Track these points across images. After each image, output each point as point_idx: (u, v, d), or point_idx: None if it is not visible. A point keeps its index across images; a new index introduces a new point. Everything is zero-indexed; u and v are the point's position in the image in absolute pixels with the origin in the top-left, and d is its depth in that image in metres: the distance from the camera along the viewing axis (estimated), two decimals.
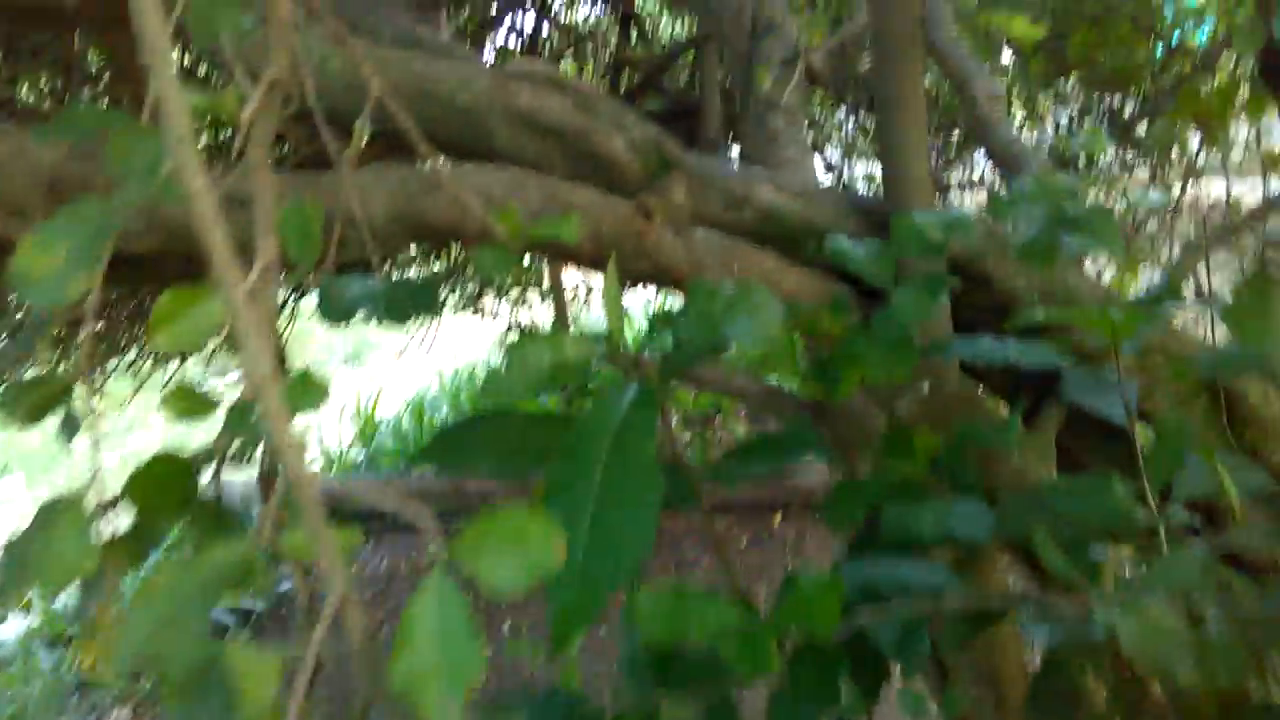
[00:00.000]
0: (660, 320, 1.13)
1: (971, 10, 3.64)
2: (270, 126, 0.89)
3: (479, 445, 1.16)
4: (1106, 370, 1.50)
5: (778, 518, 5.71)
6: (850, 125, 6.16)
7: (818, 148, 6.15)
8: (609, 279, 1.18)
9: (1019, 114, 4.95)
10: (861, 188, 6.50)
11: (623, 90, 5.36)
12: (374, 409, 8.01)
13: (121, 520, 0.93)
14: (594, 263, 1.61)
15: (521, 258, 1.09)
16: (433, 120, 1.65)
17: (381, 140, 1.81)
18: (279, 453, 0.70)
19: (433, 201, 1.43)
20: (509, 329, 4.34)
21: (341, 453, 7.43)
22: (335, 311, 1.15)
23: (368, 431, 7.71)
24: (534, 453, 1.17)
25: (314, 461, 7.38)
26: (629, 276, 1.67)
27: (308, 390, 0.90)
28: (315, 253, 1.04)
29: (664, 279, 1.68)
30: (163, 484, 0.97)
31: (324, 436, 7.60)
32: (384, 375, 9.52)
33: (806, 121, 5.63)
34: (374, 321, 1.17)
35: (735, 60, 2.90)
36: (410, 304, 1.17)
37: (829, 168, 6.11)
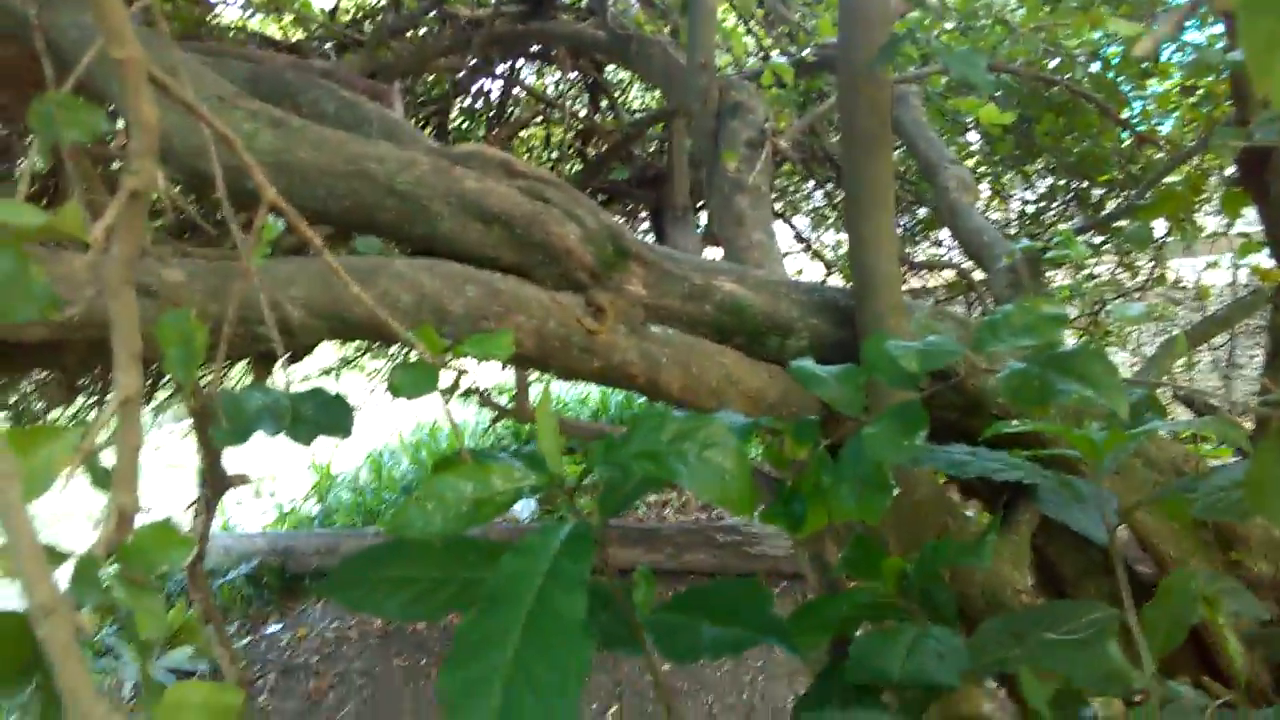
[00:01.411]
0: (601, 450, 1.00)
1: (939, 93, 3.61)
2: (133, 241, 0.74)
3: (388, 580, 1.01)
4: (1084, 483, 1.40)
5: None
6: (819, 196, 6.14)
7: (786, 218, 6.12)
8: (543, 404, 1.04)
9: (985, 192, 4.93)
10: (831, 255, 6.48)
11: (591, 156, 5.31)
12: (330, 462, 7.79)
13: None
14: (538, 364, 1.51)
15: (438, 378, 0.95)
16: (371, 204, 1.54)
17: (331, 225, 1.70)
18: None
19: (358, 298, 1.30)
20: (467, 390, 4.17)
21: (295, 508, 7.19)
22: (231, 431, 1.00)
23: (323, 485, 7.48)
24: (454, 591, 1.02)
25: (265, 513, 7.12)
26: (577, 376, 1.56)
27: (163, 543, 0.74)
28: (196, 366, 0.90)
29: (616, 380, 1.59)
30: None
31: (276, 490, 7.36)
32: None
33: (773, 197, 5.62)
34: (280, 434, 1.03)
35: (702, 137, 2.84)
36: (319, 421, 1.03)
37: (799, 238, 6.07)
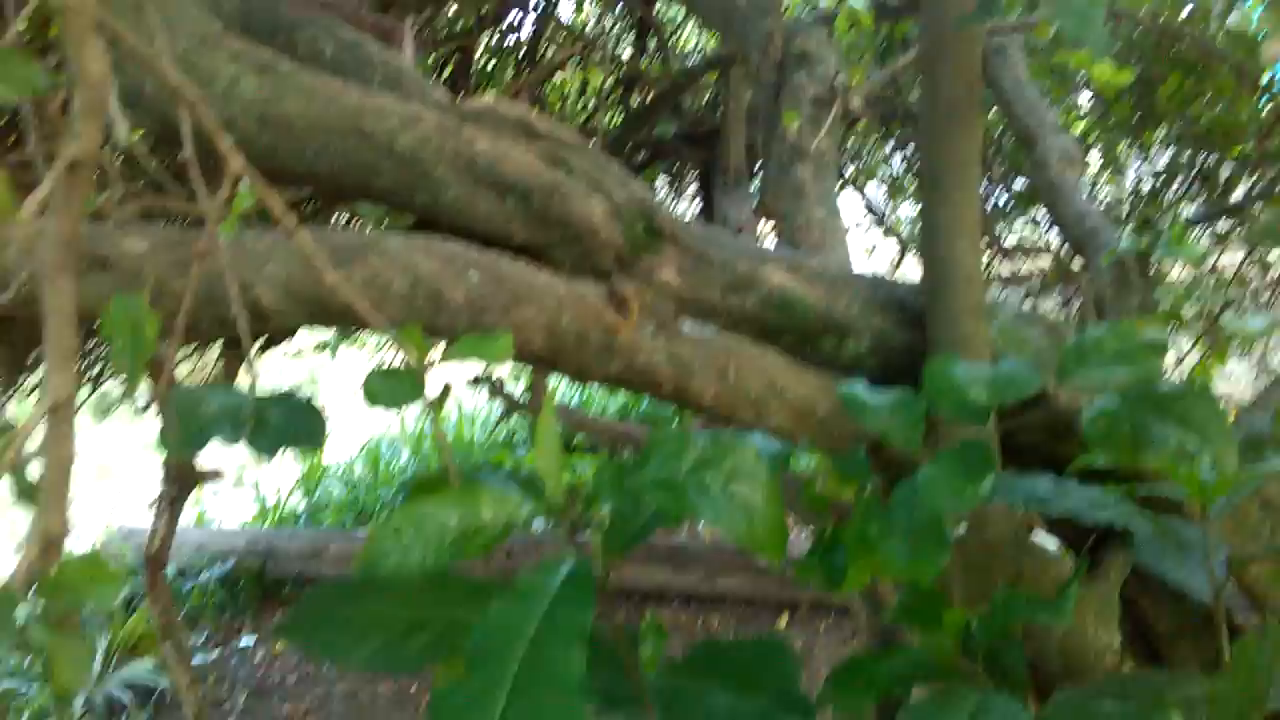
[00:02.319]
0: (610, 476, 0.99)
1: (1046, 46, 3.52)
2: (73, 218, 0.74)
3: (358, 622, 1.01)
4: (1189, 529, 1.37)
5: (784, 619, 5.52)
6: (897, 161, 6.07)
7: (857, 186, 6.05)
8: (544, 419, 1.03)
9: (1095, 164, 4.83)
10: (908, 231, 6.42)
11: (634, 107, 5.28)
12: (321, 451, 7.90)
13: None
14: (547, 363, 1.51)
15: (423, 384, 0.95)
16: (366, 167, 1.54)
17: (320, 190, 1.70)
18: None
19: (344, 279, 1.30)
20: (476, 378, 4.19)
21: (279, 502, 7.28)
22: (182, 437, 1.00)
23: (312, 478, 7.57)
24: (433, 636, 1.02)
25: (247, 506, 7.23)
26: (594, 379, 1.56)
27: (91, 577, 0.75)
28: (146, 358, 0.90)
29: (638, 385, 1.58)
30: None
31: (260, 481, 7.46)
32: (335, 411, 9.41)
33: (843, 161, 5.56)
34: (236, 442, 1.03)
35: (761, 91, 2.81)
36: (286, 430, 1.03)
37: (871, 210, 6.01)
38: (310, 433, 1.02)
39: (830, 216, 2.45)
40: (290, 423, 1.03)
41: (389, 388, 0.94)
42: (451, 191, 1.56)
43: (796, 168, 2.53)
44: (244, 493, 7.49)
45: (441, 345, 1.13)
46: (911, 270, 6.19)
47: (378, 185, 1.56)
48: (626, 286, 1.53)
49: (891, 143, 5.93)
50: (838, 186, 2.68)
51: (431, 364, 0.99)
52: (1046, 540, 2.42)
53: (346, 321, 1.37)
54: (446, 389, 1.00)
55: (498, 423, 7.98)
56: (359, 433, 8.45)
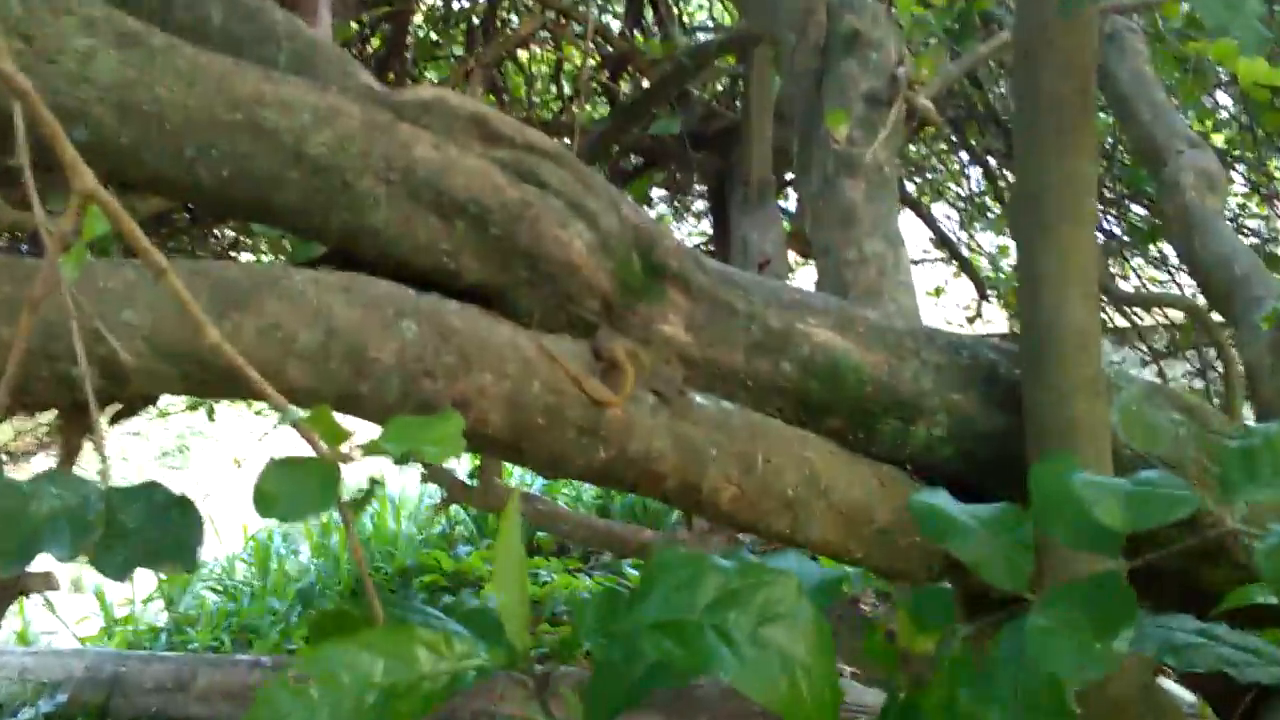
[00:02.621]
0: (596, 612, 0.96)
1: (1175, 31, 3.55)
2: None
3: None
4: None
5: None
6: (976, 177, 6.12)
7: (922, 208, 6.09)
8: (506, 527, 1.01)
9: (1239, 186, 4.87)
10: (985, 267, 6.44)
11: (624, 97, 5.31)
12: (203, 529, 7.79)
13: None
14: (511, 448, 1.50)
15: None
16: (266, 176, 1.52)
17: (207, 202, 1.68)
18: None
19: (233, 331, 1.28)
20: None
21: (131, 614, 7.19)
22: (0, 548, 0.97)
23: (177, 582, 7.48)
24: None
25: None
26: (572, 472, 1.55)
27: None
28: None
29: (635, 480, 1.58)
30: None
31: (104, 585, 7.37)
32: (213, 491, 9.30)
33: (902, 175, 5.59)
34: (75, 557, 1.00)
35: (797, 81, 2.81)
36: (147, 541, 1.00)
37: (941, 239, 6.03)
38: (179, 544, 0.99)
39: (890, 250, 2.45)
40: (153, 529, 1.00)
41: (291, 491, 0.91)
42: (381, 212, 1.54)
43: (844, 184, 2.53)
44: (84, 600, 7.39)
45: (364, 429, 1.10)
46: (995, 320, 6.20)
47: (280, 201, 1.54)
48: (618, 345, 1.52)
49: (965, 154, 5.97)
50: (898, 209, 2.67)
51: (348, 457, 0.96)
52: (1182, 692, 2.40)
53: (232, 389, 1.36)
54: (372, 486, 0.98)
55: (435, 511, 7.92)
56: (243, 519, 8.34)
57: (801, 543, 1.69)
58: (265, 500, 0.96)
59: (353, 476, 1.03)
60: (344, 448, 0.97)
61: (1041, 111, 1.60)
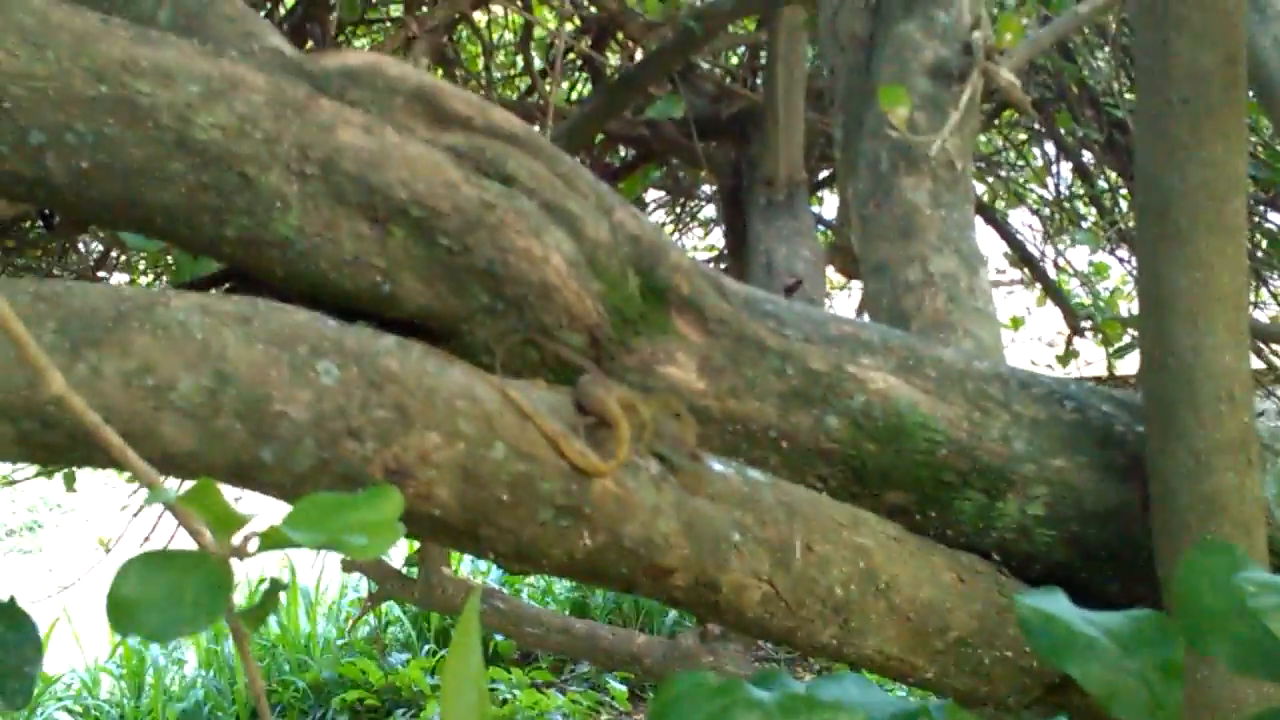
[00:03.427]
0: None
1: None
2: None
3: None
4: None
5: None
6: (1065, 176, 6.12)
7: (998, 215, 6.08)
8: (463, 632, 0.96)
9: None
10: (1076, 292, 6.45)
11: (611, 72, 5.30)
12: (42, 648, 7.74)
13: None
14: (465, 535, 1.47)
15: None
16: (140, 168, 1.50)
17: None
18: None
19: (89, 376, 1.25)
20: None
21: None
22: None
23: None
24: None
25: None
26: (552, 567, 1.52)
27: None
28: None
29: (632, 575, 1.55)
30: None
31: None
32: (75, 576, 9.20)
33: (973, 178, 5.59)
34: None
35: (839, 50, 2.81)
36: None
37: (1021, 255, 6.02)
38: (5, 674, 0.95)
39: (965, 269, 2.47)
40: None
41: (162, 600, 0.86)
42: (292, 216, 1.53)
43: (903, 183, 2.54)
44: None
45: (267, 508, 1.05)
46: (1095, 360, 6.19)
47: (158, 201, 1.52)
48: (609, 393, 1.49)
49: (1052, 147, 5.97)
50: (973, 220, 2.66)
51: (243, 550, 0.91)
52: None
53: (87, 455, 1.34)
54: (274, 589, 0.92)
55: (362, 613, 7.89)
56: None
57: (853, 657, 1.67)
58: (124, 612, 0.91)
59: (252, 569, 0.99)
60: (237, 538, 0.93)
61: (1175, 89, 1.60)
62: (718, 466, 1.60)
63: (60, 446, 1.34)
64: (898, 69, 2.62)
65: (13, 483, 5.64)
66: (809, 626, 1.62)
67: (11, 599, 0.99)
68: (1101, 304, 6.00)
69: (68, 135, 1.47)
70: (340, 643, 7.97)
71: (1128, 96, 4.71)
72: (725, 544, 1.55)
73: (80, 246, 5.46)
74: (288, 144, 1.52)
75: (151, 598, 0.91)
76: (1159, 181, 1.64)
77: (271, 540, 0.93)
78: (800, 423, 1.69)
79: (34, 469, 5.27)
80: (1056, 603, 1.05)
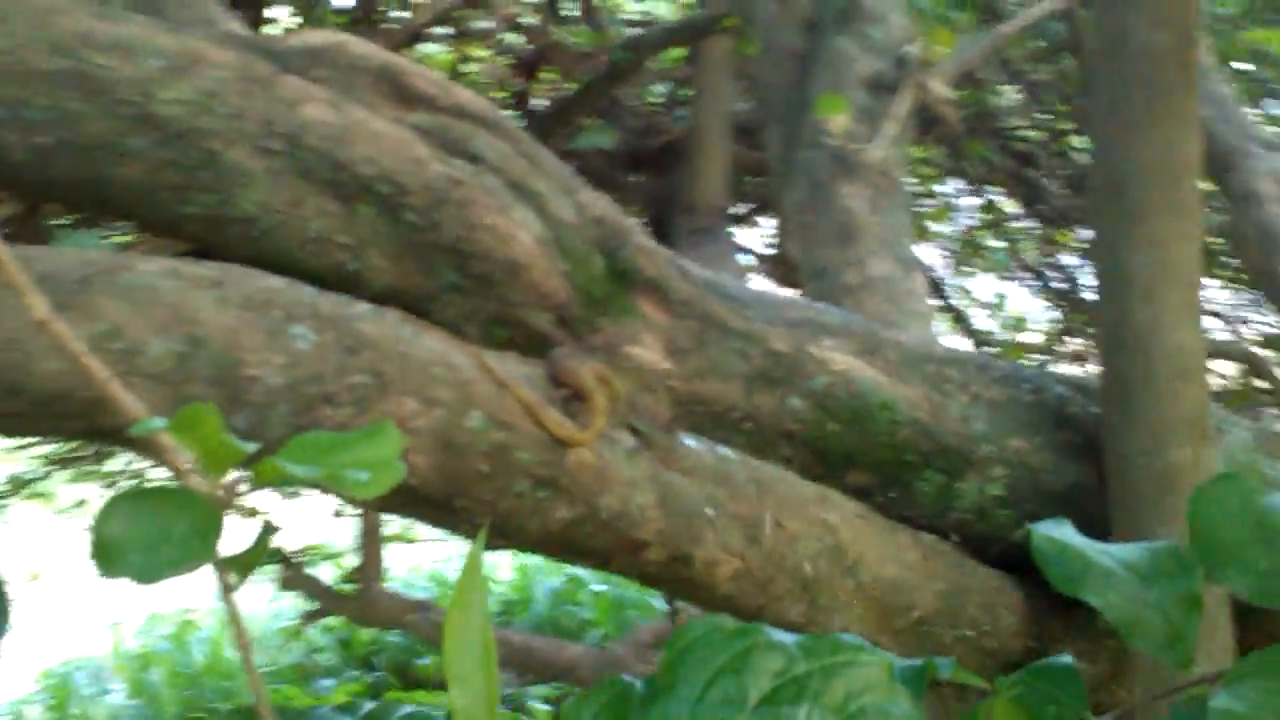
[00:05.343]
0: (601, 711, 0.86)
1: (1235, 20, 3.60)
2: None
3: None
4: None
5: None
6: (965, 207, 6.16)
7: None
8: (467, 580, 0.90)
9: None
10: (984, 319, 6.48)
11: (542, 104, 5.28)
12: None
13: None
14: (439, 503, 1.44)
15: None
16: (100, 143, 1.48)
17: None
18: None
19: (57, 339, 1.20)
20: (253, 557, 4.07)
21: None
22: None
23: None
24: None
25: None
26: (528, 541, 1.52)
27: None
28: None
29: (606, 548, 1.54)
30: None
31: None
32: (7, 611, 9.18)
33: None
34: None
35: (777, 67, 2.81)
36: None
37: (935, 290, 6.02)
38: None
39: (902, 272, 2.47)
40: None
41: (148, 538, 0.80)
42: (257, 192, 1.52)
43: (841, 190, 2.55)
44: None
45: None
46: None
47: (120, 178, 1.51)
48: (583, 366, 1.49)
49: (961, 179, 6.01)
50: (910, 227, 2.68)
51: (236, 491, 0.85)
52: None
53: (55, 425, 1.31)
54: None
55: (294, 633, 7.84)
56: (37, 648, 8.23)
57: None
58: (108, 553, 0.84)
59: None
60: (228, 476, 0.86)
61: (1129, 69, 1.62)
62: (690, 442, 1.60)
63: (42, 410, 1.30)
64: (834, 81, 2.63)
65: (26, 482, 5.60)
66: (778, 604, 1.62)
67: None
68: (999, 330, 6.10)
69: (25, 110, 1.46)
70: (269, 669, 7.95)
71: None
72: (699, 518, 1.55)
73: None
74: (252, 120, 1.51)
75: (137, 538, 0.85)
76: (1115, 162, 1.66)
77: (267, 476, 0.87)
78: (764, 404, 1.68)
79: None
80: (1068, 532, 1.03)
